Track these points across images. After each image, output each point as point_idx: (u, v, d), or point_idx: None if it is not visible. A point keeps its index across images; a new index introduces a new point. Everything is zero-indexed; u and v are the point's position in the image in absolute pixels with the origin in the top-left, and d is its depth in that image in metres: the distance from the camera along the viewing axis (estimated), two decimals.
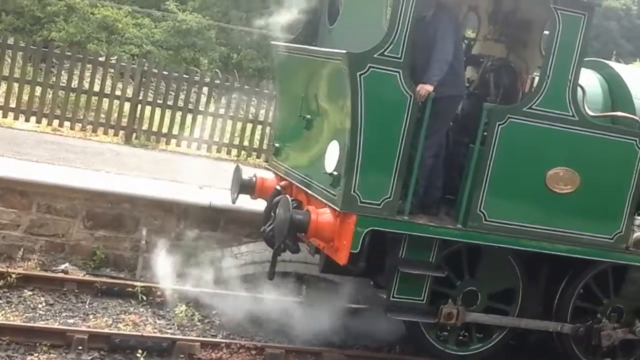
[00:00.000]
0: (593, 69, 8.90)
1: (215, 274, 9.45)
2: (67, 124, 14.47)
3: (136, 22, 28.94)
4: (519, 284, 8.34)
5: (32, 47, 14.86)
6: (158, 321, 8.52)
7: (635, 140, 7.89)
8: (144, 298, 8.88)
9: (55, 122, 14.43)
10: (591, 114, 8.02)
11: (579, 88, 7.84)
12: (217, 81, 15.48)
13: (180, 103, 14.92)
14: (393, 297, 7.70)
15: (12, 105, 14.32)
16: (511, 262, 8.22)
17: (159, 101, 14.85)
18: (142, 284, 9.07)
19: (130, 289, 8.97)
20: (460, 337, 8.54)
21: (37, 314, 8.18)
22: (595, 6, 7.82)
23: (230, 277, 9.49)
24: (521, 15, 8.66)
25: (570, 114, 7.70)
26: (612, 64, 9.26)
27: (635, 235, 8.07)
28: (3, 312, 7.95)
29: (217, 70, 20.24)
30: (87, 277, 9.24)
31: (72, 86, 14.62)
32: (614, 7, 40.39)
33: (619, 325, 8.61)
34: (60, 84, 14.60)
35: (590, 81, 8.58)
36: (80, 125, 14.55)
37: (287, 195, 8.14)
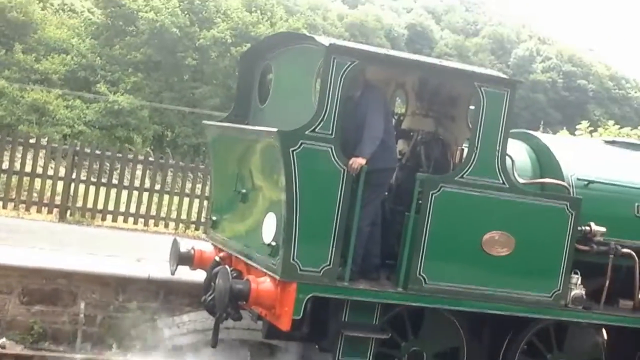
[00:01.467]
0: (521, 140, 9.28)
1: (157, 345, 9.39)
2: None
3: (67, 104, 28.96)
4: (463, 343, 8.46)
5: None
6: None
7: (566, 204, 8.20)
8: None
9: None
10: (521, 181, 8.34)
11: (508, 158, 8.14)
12: (151, 158, 15.56)
13: (115, 180, 14.94)
14: (339, 359, 7.80)
15: None
16: (454, 322, 8.35)
17: (93, 179, 14.83)
18: (82, 356, 8.98)
19: None
20: None
21: None
22: (517, 82, 8.23)
23: (173, 346, 9.45)
24: (447, 91, 8.97)
25: (501, 181, 8.00)
26: (539, 134, 9.66)
27: (573, 292, 8.32)
28: None
29: (150, 150, 20.37)
30: (25, 352, 9.12)
31: (3, 168, 14.52)
32: (541, 81, 42.13)
33: None
34: None
35: (518, 151, 8.92)
36: (12, 204, 14.41)
37: (227, 266, 8.22)
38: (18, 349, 9.22)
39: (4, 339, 9.39)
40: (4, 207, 14.30)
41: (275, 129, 7.52)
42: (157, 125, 30.15)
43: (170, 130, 30.53)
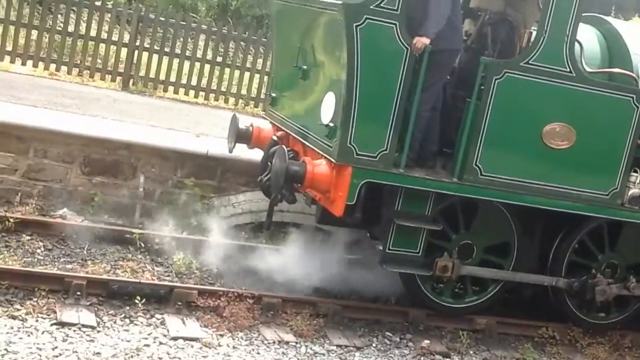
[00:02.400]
0: (592, 25, 8.90)
1: (212, 223, 9.52)
2: (64, 68, 14.48)
3: None
4: (514, 238, 8.42)
5: None
6: (156, 268, 8.59)
7: (632, 97, 7.90)
8: (142, 245, 8.96)
9: (52, 67, 14.44)
10: (588, 69, 8.06)
11: (576, 43, 7.84)
12: (215, 28, 15.45)
13: (178, 50, 14.93)
14: (389, 249, 7.78)
15: (9, 48, 14.30)
16: (506, 216, 8.28)
17: (156, 47, 14.84)
18: (141, 231, 9.15)
19: (128, 236, 9.04)
20: (456, 290, 8.66)
21: (36, 259, 8.25)
22: None
23: (227, 225, 9.56)
24: None
25: (568, 69, 7.70)
26: (611, 20, 9.24)
27: (631, 192, 8.12)
28: (2, 256, 7.99)
29: (212, 19, 20.18)
30: (85, 223, 9.30)
31: (69, 30, 14.60)
32: None
33: (613, 280, 8.70)
34: (57, 28, 14.59)
35: (588, 37, 8.59)
36: (77, 70, 14.55)
37: (284, 146, 8.18)
38: (78, 220, 9.39)
39: (64, 210, 9.59)
40: (69, 72, 14.46)
41: (339, 2, 7.26)
42: None
43: None
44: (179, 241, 9.08)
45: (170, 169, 10.14)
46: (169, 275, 8.49)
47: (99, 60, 14.70)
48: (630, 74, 8.24)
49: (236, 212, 10.01)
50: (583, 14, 7.87)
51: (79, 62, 14.59)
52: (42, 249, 8.54)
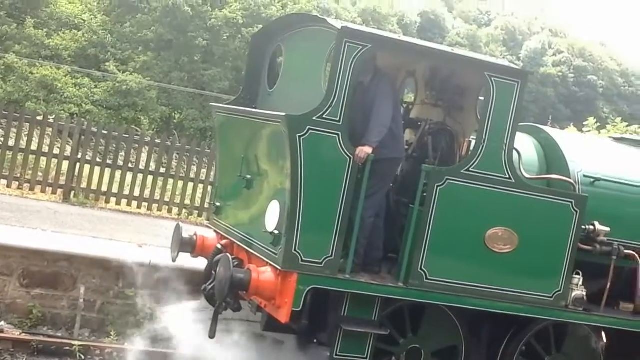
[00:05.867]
0: (529, 134, 9.17)
1: (155, 332, 9.36)
2: (3, 182, 14.31)
3: (76, 82, 28.99)
4: (461, 342, 8.35)
5: None
6: None
7: (571, 202, 8.07)
8: (82, 357, 8.76)
9: None
10: (527, 176, 8.24)
11: (515, 151, 8.03)
12: (158, 140, 15.52)
13: (120, 162, 14.93)
14: (336, 354, 7.67)
15: None
16: (453, 319, 8.25)
17: (98, 160, 14.82)
18: (80, 343, 8.95)
19: (67, 348, 8.84)
20: None
21: None
22: (528, 74, 8.09)
23: (171, 335, 9.40)
24: (457, 81, 8.83)
25: (507, 176, 7.86)
26: (547, 129, 9.55)
27: (574, 293, 8.19)
28: None
29: (156, 132, 20.38)
30: (23, 336, 9.09)
31: (9, 145, 14.51)
32: (552, 74, 41.90)
33: None
34: None
35: (526, 145, 8.82)
36: (17, 183, 14.40)
37: (228, 254, 8.14)
38: (16, 334, 9.18)
39: (2, 323, 9.38)
40: (9, 185, 14.34)
41: (282, 114, 7.39)
42: (164, 106, 30.13)
43: (178, 112, 30.50)
44: (120, 352, 8.88)
45: (111, 280, 9.99)
46: None
47: (39, 174, 14.59)
48: (568, 179, 8.46)
49: (180, 321, 9.83)
50: (520, 124, 8.11)
51: (19, 175, 14.47)
52: None
